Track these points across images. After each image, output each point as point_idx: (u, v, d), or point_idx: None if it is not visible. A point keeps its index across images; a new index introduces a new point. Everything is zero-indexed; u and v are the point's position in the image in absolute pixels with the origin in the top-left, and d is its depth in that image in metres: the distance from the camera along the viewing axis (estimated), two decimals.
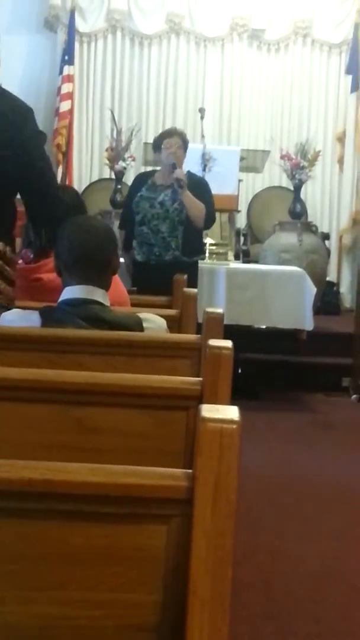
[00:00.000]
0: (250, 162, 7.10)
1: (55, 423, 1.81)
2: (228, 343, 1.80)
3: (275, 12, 8.97)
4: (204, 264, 5.41)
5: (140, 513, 1.17)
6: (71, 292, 2.51)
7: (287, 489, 4.17)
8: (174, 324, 3.11)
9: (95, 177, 8.95)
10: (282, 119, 9.12)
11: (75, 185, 8.31)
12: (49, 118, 8.58)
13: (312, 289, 5.81)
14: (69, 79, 8.70)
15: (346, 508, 3.96)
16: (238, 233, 7.63)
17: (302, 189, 7.70)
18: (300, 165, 7.37)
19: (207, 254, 5.78)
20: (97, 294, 2.50)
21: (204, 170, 5.76)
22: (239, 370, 5.75)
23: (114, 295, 2.76)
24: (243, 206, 8.22)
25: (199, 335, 2.43)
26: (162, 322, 2.62)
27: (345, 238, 8.87)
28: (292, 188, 7.74)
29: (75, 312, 2.47)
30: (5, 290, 3.02)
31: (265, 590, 3.03)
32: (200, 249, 5.28)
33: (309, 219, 8.22)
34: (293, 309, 5.75)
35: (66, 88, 8.68)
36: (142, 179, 5.15)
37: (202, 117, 6.31)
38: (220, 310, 2.41)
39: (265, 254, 7.21)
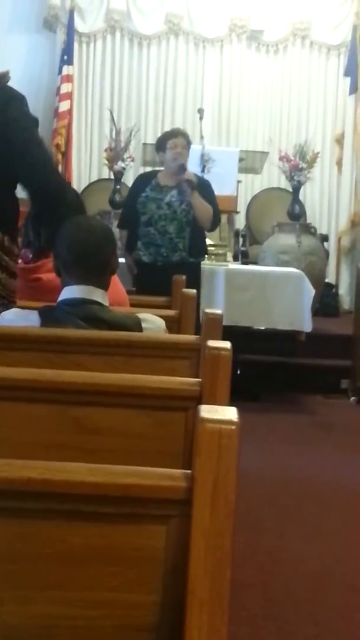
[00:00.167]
0: (249, 163, 7.10)
1: (54, 423, 1.81)
2: (227, 344, 1.80)
3: (274, 14, 8.96)
4: (203, 264, 5.41)
5: (139, 513, 1.17)
6: (70, 292, 2.51)
7: (287, 489, 4.17)
8: (173, 325, 3.11)
9: (94, 178, 8.94)
10: (280, 120, 9.12)
11: (75, 186, 8.30)
12: (48, 118, 8.57)
13: (310, 291, 5.81)
14: (68, 79, 8.69)
15: (345, 509, 3.96)
16: (237, 234, 7.62)
17: (301, 191, 7.68)
18: (299, 167, 7.36)
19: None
20: (96, 294, 2.51)
21: (202, 171, 5.75)
22: (238, 371, 5.75)
23: (113, 295, 2.76)
24: (242, 207, 8.21)
25: (198, 336, 2.43)
26: (161, 323, 2.62)
27: (344, 240, 8.86)
28: (290, 189, 7.72)
29: (74, 312, 2.47)
30: (5, 281, 2.97)
31: (265, 591, 3.02)
32: (204, 250, 5.29)
33: (308, 221, 8.22)
34: (292, 310, 5.75)
35: (65, 88, 8.67)
36: (144, 179, 5.13)
37: (201, 118, 6.30)
38: (219, 311, 2.41)
39: (264, 255, 7.21)
